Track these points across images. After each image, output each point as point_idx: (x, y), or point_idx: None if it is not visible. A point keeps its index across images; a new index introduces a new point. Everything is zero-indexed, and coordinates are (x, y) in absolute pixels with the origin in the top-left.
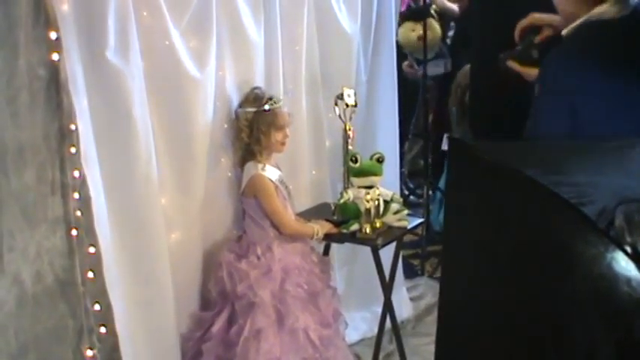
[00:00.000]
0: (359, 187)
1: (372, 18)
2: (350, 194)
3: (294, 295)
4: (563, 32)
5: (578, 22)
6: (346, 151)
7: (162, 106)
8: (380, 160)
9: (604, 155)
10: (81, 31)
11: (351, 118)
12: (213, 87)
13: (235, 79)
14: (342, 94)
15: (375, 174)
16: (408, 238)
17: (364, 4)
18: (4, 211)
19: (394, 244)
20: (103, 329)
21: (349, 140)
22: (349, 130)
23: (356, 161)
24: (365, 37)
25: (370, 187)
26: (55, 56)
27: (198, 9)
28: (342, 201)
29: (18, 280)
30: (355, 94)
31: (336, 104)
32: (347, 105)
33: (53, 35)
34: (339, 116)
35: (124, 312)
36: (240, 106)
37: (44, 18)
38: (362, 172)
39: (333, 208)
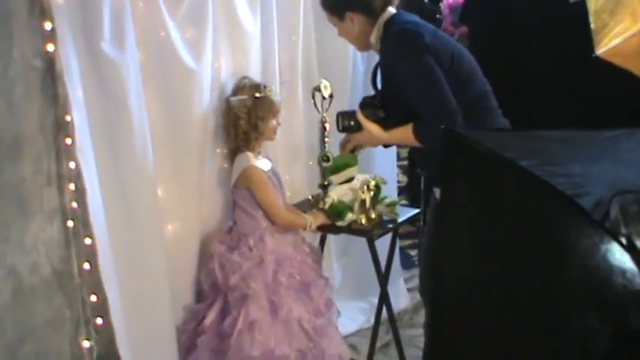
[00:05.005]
0: (339, 183)
1: None
2: (333, 197)
3: (287, 286)
4: None
5: None
6: (323, 144)
7: (158, 98)
8: (352, 150)
9: (599, 146)
10: (76, 22)
11: (327, 110)
12: (209, 78)
13: (231, 70)
14: (319, 86)
15: (349, 165)
16: (405, 228)
17: None
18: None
19: (391, 234)
20: (99, 320)
21: (325, 132)
22: (325, 122)
23: (328, 160)
24: None
25: (350, 180)
26: (50, 47)
27: (194, 0)
28: (327, 207)
29: (14, 271)
30: (332, 85)
31: (313, 96)
32: (323, 97)
33: (48, 26)
34: (317, 108)
35: (120, 303)
36: (235, 95)
37: (39, 8)
38: (337, 168)
39: None
